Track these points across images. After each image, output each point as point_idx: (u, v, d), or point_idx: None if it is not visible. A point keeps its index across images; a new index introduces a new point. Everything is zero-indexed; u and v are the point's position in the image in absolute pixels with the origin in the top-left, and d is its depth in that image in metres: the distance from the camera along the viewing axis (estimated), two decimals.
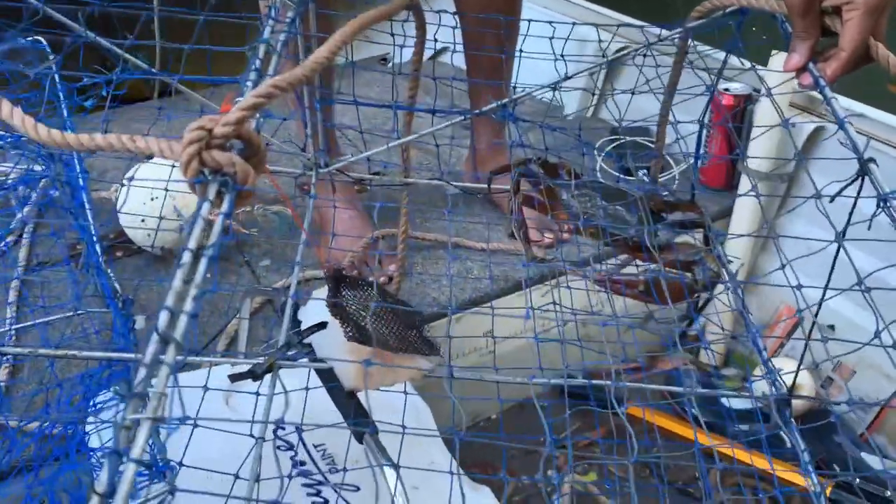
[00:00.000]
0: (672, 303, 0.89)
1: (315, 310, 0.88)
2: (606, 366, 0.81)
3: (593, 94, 1.96)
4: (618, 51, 1.32)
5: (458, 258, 1.48)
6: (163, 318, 0.41)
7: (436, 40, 1.09)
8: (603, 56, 1.24)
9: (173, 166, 1.08)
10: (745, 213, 1.63)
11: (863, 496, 1.23)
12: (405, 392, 0.82)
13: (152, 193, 1.32)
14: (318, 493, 1.00)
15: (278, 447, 1.01)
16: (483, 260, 1.48)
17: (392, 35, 1.05)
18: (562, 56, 1.08)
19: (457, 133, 1.17)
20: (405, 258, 1.40)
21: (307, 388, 0.80)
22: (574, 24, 1.10)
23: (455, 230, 1.54)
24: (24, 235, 1.47)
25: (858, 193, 0.73)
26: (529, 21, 1.15)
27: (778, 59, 1.47)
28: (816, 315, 0.79)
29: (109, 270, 1.24)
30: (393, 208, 1.23)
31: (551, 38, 1.08)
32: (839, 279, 0.75)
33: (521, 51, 1.14)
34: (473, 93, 1.51)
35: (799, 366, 0.85)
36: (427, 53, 1.12)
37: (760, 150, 1.55)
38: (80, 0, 1.00)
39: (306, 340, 0.86)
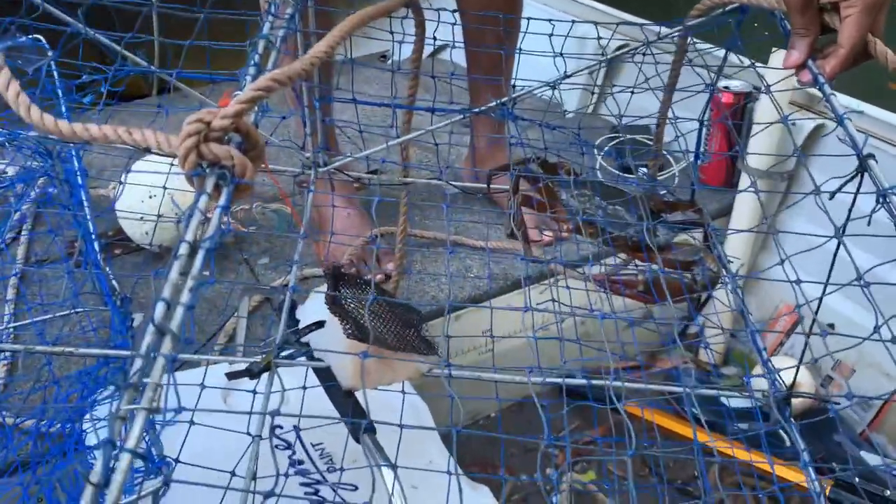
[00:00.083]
0: (671, 302, 0.89)
1: (313, 308, 0.88)
2: (605, 364, 0.80)
3: (593, 93, 1.96)
4: (617, 49, 1.32)
5: (455, 253, 1.48)
6: (159, 309, 0.41)
7: (435, 38, 1.09)
8: (603, 54, 1.23)
9: (172, 164, 1.08)
10: (744, 210, 1.63)
11: (863, 495, 1.22)
12: (403, 391, 0.82)
13: (150, 191, 1.32)
14: (315, 492, 1.00)
15: (276, 446, 1.01)
16: (482, 258, 1.47)
17: (391, 32, 1.05)
18: (561, 54, 1.08)
19: (456, 131, 1.16)
20: (404, 256, 1.40)
21: (304, 388, 0.80)
22: (573, 21, 1.10)
23: (454, 228, 1.53)
24: (23, 232, 1.47)
25: (858, 190, 0.73)
26: (529, 19, 1.15)
27: (778, 56, 1.47)
28: (816, 312, 0.79)
29: (108, 268, 1.24)
30: (392, 206, 1.23)
31: (551, 36, 1.08)
32: (839, 276, 0.74)
33: (520, 49, 1.14)
34: (473, 91, 1.51)
35: (799, 362, 0.85)
36: (427, 51, 1.11)
37: (760, 147, 1.55)
38: None
39: (304, 339, 0.86)
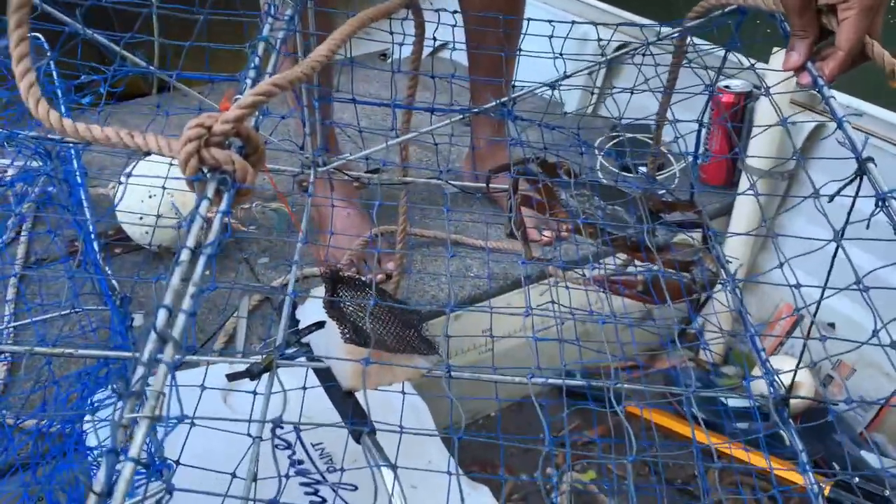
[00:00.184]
0: (671, 302, 0.89)
1: (313, 309, 0.88)
2: (605, 364, 0.81)
3: (592, 93, 1.96)
4: (617, 49, 1.32)
5: (456, 255, 1.48)
6: (161, 316, 0.41)
7: (435, 39, 1.09)
8: (602, 55, 1.23)
9: (171, 164, 1.08)
10: (744, 211, 1.63)
11: (861, 495, 1.23)
12: (403, 392, 0.82)
13: (150, 191, 1.32)
14: (315, 493, 1.00)
15: (276, 446, 1.01)
16: (482, 258, 1.47)
17: (391, 33, 1.05)
18: (561, 55, 1.08)
19: (456, 130, 1.16)
20: (404, 256, 1.40)
21: (304, 388, 0.80)
22: (573, 22, 1.10)
23: (454, 228, 1.53)
24: (22, 232, 1.47)
25: (857, 193, 0.73)
26: (529, 19, 1.15)
27: (778, 56, 1.47)
28: (815, 314, 0.79)
29: (107, 268, 1.24)
30: (392, 206, 1.23)
31: (551, 37, 1.08)
32: (838, 277, 0.75)
33: (520, 49, 1.14)
34: (474, 90, 1.51)
35: (797, 365, 0.85)
36: (426, 51, 1.11)
37: (760, 147, 1.55)
38: None
39: (304, 339, 0.86)
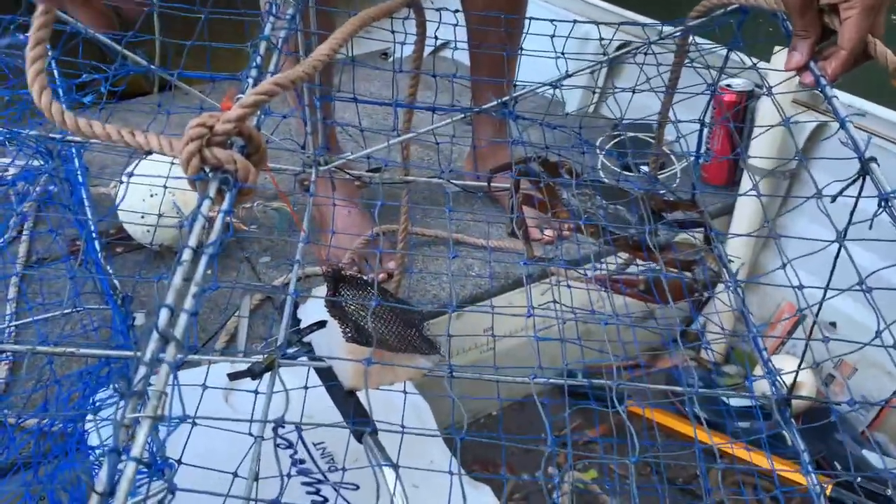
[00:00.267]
0: (672, 302, 0.89)
1: (315, 308, 0.88)
2: (607, 363, 0.81)
3: (594, 92, 1.96)
4: (619, 48, 1.32)
5: (458, 255, 1.48)
6: (163, 316, 0.41)
7: (436, 38, 1.09)
8: (604, 54, 1.23)
9: (173, 163, 1.08)
10: (746, 210, 1.63)
11: (863, 495, 1.23)
12: (405, 391, 0.82)
13: (152, 190, 1.32)
14: (317, 492, 1.00)
15: (278, 445, 1.01)
16: (483, 257, 1.47)
17: (392, 32, 1.05)
18: (563, 54, 1.08)
19: (458, 130, 1.16)
20: (405, 255, 1.40)
21: (306, 388, 0.80)
22: (575, 21, 1.10)
23: (455, 227, 1.53)
24: (24, 231, 1.47)
25: (860, 193, 0.73)
26: (531, 19, 1.15)
27: (780, 56, 1.47)
28: (817, 315, 0.79)
29: (109, 267, 1.24)
30: (393, 205, 1.23)
31: (552, 36, 1.08)
32: (840, 276, 0.75)
33: (521, 49, 1.14)
34: (475, 90, 1.51)
35: (799, 365, 0.85)
36: (428, 50, 1.11)
37: (762, 146, 1.55)
38: None
39: (306, 339, 0.86)
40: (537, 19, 1.12)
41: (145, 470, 0.71)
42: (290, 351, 0.84)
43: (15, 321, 1.28)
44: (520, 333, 0.86)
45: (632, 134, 1.73)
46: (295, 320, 0.88)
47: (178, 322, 0.42)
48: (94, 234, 1.23)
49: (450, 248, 1.14)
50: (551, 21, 1.10)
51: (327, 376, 0.85)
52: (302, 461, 1.03)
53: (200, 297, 0.45)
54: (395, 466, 0.74)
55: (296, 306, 0.90)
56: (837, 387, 1.53)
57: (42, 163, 1.27)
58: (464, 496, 0.67)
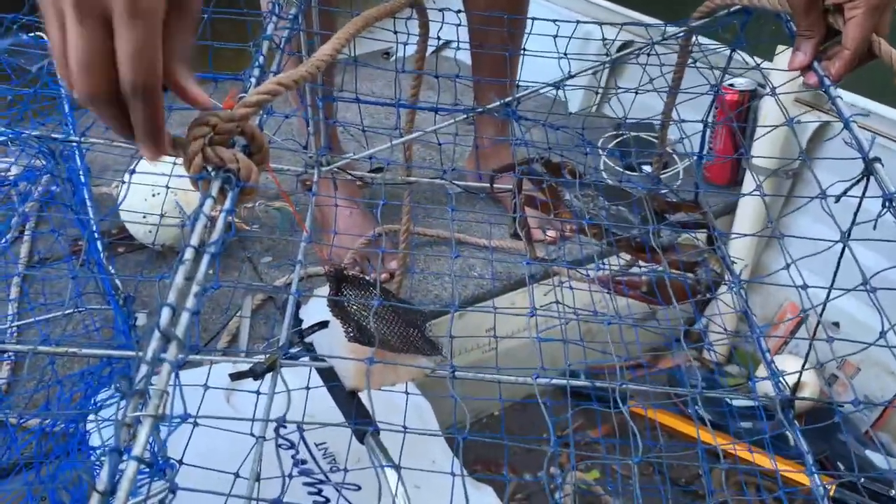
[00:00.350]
0: (675, 304, 0.89)
1: (317, 308, 0.88)
2: (609, 364, 0.80)
3: (597, 93, 1.95)
4: (620, 48, 1.32)
5: (460, 255, 1.48)
6: (164, 315, 0.41)
7: (439, 38, 1.09)
8: (607, 54, 1.23)
9: (175, 163, 1.08)
10: (749, 210, 1.63)
11: (867, 495, 1.22)
12: (406, 392, 0.82)
13: (154, 190, 1.32)
14: (319, 492, 1.00)
15: (279, 446, 1.01)
16: (485, 257, 1.47)
17: (395, 32, 1.05)
18: (565, 55, 1.08)
19: (460, 130, 1.16)
20: (407, 255, 1.40)
21: (308, 388, 0.80)
22: (578, 21, 1.10)
23: (458, 227, 1.53)
24: (26, 231, 1.47)
25: (864, 193, 0.73)
26: (533, 19, 1.15)
27: (784, 55, 1.47)
28: (821, 315, 0.79)
29: (110, 267, 1.23)
30: (395, 205, 1.23)
31: (555, 36, 1.08)
32: (844, 276, 0.74)
33: (524, 49, 1.13)
34: (478, 90, 1.51)
35: (803, 366, 0.84)
36: (430, 50, 1.11)
37: (765, 146, 1.54)
38: None
39: (308, 339, 0.86)
40: (540, 19, 1.12)
41: (146, 470, 0.71)
42: (292, 351, 0.84)
43: (17, 321, 1.28)
44: (522, 334, 0.86)
45: (635, 134, 1.73)
46: (297, 320, 0.88)
47: (180, 321, 0.42)
48: (95, 234, 1.23)
49: (452, 248, 1.13)
50: (554, 21, 1.10)
51: (329, 376, 0.85)
52: (304, 461, 1.03)
53: (202, 297, 0.44)
54: (397, 467, 0.73)
55: (298, 306, 0.89)
56: (841, 387, 1.52)
57: (44, 163, 1.27)
58: (466, 496, 0.67)
